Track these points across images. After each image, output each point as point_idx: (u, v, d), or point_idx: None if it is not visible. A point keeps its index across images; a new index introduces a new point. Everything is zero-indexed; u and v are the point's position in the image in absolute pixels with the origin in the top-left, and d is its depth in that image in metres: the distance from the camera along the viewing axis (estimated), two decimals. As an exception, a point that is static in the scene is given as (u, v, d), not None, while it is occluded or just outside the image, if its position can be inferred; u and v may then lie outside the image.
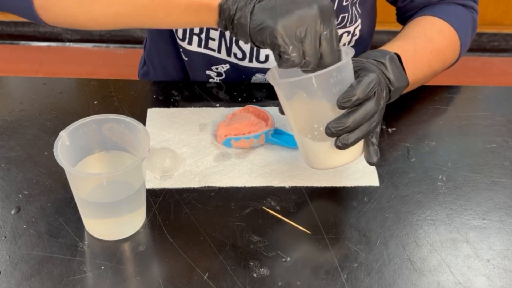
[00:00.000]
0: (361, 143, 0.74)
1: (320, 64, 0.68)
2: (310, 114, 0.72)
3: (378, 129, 0.76)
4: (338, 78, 0.69)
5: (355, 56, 1.05)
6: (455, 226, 0.76)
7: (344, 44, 1.01)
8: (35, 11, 0.72)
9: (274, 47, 0.67)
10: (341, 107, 0.69)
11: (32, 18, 0.74)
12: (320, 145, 0.73)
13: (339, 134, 0.70)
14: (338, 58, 0.69)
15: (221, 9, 0.69)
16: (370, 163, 0.75)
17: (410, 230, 0.75)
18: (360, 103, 0.69)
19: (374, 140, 0.75)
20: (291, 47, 0.66)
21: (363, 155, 0.75)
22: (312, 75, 0.68)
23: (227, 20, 0.70)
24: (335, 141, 0.70)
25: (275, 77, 0.75)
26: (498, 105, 0.96)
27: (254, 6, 0.67)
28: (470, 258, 0.72)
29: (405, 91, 0.88)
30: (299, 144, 0.76)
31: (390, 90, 0.80)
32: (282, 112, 0.76)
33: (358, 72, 0.73)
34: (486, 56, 2.40)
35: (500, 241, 0.74)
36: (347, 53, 0.71)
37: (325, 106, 0.70)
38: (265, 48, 0.68)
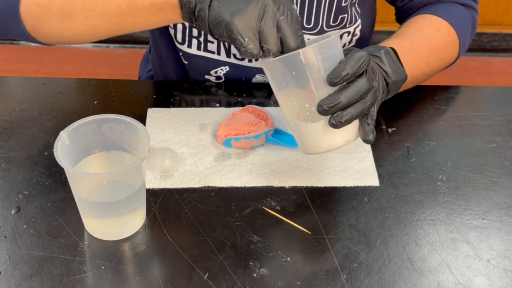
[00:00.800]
0: (355, 126, 0.73)
1: (285, 50, 0.69)
2: (301, 94, 0.71)
3: (374, 112, 0.75)
4: (327, 54, 0.69)
5: None
6: (455, 226, 0.76)
7: (345, 45, 1.02)
8: (29, 35, 0.81)
9: (231, 41, 0.68)
10: (331, 83, 0.68)
11: (31, 41, 0.82)
12: (314, 125, 0.72)
13: (331, 112, 0.69)
14: (302, 42, 0.69)
15: (182, 3, 0.72)
16: (366, 141, 0.74)
17: (410, 230, 0.75)
18: (351, 81, 0.69)
19: (369, 120, 0.74)
20: (246, 39, 0.68)
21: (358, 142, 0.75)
22: (299, 50, 0.68)
23: (189, 13, 0.72)
24: (329, 119, 0.70)
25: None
26: (498, 105, 0.96)
27: (211, 1, 0.69)
28: (470, 258, 0.72)
29: (404, 88, 0.88)
30: (293, 129, 0.75)
31: (388, 84, 0.80)
32: (275, 102, 0.75)
33: (348, 54, 0.73)
34: (486, 56, 2.40)
35: (500, 241, 0.74)
36: (335, 33, 0.72)
37: (316, 84, 0.70)
38: (225, 41, 0.70)
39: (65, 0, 0.76)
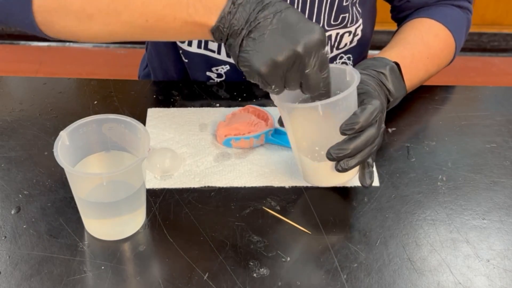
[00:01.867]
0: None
1: (303, 91, 0.69)
2: (312, 137, 0.73)
3: (375, 152, 0.77)
4: (343, 106, 0.70)
5: (355, 57, 1.05)
6: (455, 226, 0.76)
7: (346, 44, 1.02)
8: (38, 27, 0.74)
9: (258, 83, 0.68)
10: (343, 134, 0.70)
11: (37, 33, 0.76)
12: (319, 166, 0.74)
13: (340, 159, 0.71)
14: (325, 85, 0.69)
15: (214, 34, 0.69)
16: (364, 186, 0.76)
17: (410, 230, 0.75)
18: (362, 130, 0.70)
19: (370, 161, 0.75)
20: (273, 86, 0.68)
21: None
22: (319, 103, 0.68)
23: (222, 42, 0.70)
24: (336, 165, 0.72)
25: (280, 98, 0.73)
26: (498, 105, 0.96)
27: (242, 39, 0.67)
28: (470, 258, 0.72)
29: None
30: (298, 160, 0.77)
31: (388, 101, 0.81)
32: (281, 124, 0.77)
33: (361, 96, 0.73)
34: (486, 56, 2.40)
35: (500, 241, 0.74)
36: (352, 76, 0.71)
37: (328, 131, 0.71)
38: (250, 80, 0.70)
39: (87, 0, 0.70)
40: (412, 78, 0.89)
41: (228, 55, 0.98)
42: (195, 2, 0.68)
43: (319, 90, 0.69)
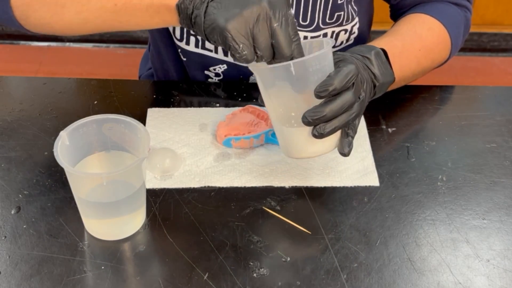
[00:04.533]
0: (339, 134, 0.74)
1: (277, 56, 0.69)
2: (288, 102, 0.72)
3: (357, 122, 0.76)
4: (317, 67, 0.69)
5: (343, 50, 1.05)
6: (455, 226, 0.76)
7: (342, 42, 1.02)
8: (17, 21, 0.79)
9: (226, 46, 0.68)
10: (318, 96, 0.69)
11: (17, 27, 0.80)
12: (297, 133, 0.73)
13: (315, 123, 0.70)
14: (296, 48, 0.69)
15: (179, 9, 0.71)
16: (342, 154, 0.75)
17: (410, 230, 0.75)
18: (338, 93, 0.70)
19: (350, 131, 0.75)
20: (241, 45, 0.67)
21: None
22: (291, 62, 0.68)
23: (187, 19, 0.71)
24: (312, 130, 0.71)
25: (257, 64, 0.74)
26: (498, 105, 0.96)
27: (207, 5, 0.69)
28: (470, 258, 0.72)
29: (392, 87, 0.88)
30: (277, 132, 0.76)
31: (375, 86, 0.80)
32: (262, 102, 0.76)
33: (338, 63, 0.73)
34: (486, 56, 2.40)
35: (500, 241, 0.74)
36: (328, 43, 0.72)
37: (303, 95, 0.70)
38: (221, 46, 0.70)
39: None
40: (403, 68, 0.88)
41: (225, 54, 0.98)
42: None
43: (290, 52, 0.68)
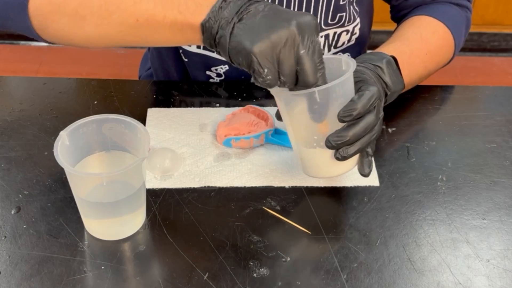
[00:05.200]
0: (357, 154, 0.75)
1: (300, 84, 0.67)
2: (310, 126, 0.72)
3: (375, 141, 0.76)
4: (340, 92, 0.69)
5: (354, 56, 1.05)
6: (455, 226, 0.76)
7: (344, 43, 1.02)
8: (34, 31, 0.76)
9: (250, 69, 0.66)
10: (341, 120, 0.69)
11: (34, 37, 0.77)
12: (319, 155, 0.74)
13: (339, 147, 0.70)
14: (321, 77, 0.68)
15: (204, 28, 0.69)
16: (363, 175, 0.76)
17: (410, 230, 0.75)
18: (360, 117, 0.70)
19: (369, 150, 0.75)
20: (265, 70, 0.65)
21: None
22: (315, 89, 0.67)
23: (211, 39, 0.69)
24: (335, 153, 0.71)
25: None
26: (498, 105, 0.96)
27: (234, 26, 0.66)
28: (470, 258, 0.72)
29: (400, 92, 0.88)
30: (296, 151, 0.76)
31: (386, 94, 0.81)
32: (279, 118, 0.77)
33: (358, 84, 0.73)
34: (486, 56, 2.40)
35: (500, 241, 0.74)
36: (349, 64, 0.71)
37: (326, 119, 0.71)
38: (244, 69, 0.68)
39: (80, 2, 0.72)
40: (410, 73, 0.89)
41: None
42: (187, 0, 0.69)
43: (315, 80, 0.67)
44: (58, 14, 0.73)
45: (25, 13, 0.74)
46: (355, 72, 0.75)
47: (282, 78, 0.67)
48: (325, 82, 0.68)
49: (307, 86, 0.67)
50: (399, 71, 0.84)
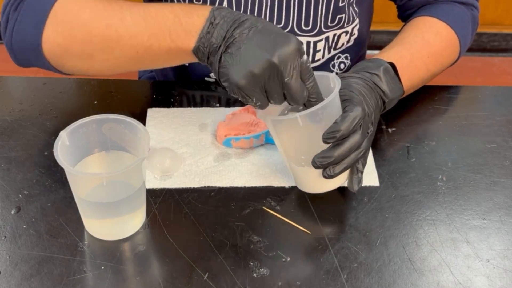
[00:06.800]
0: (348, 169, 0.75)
1: (289, 103, 0.70)
2: (298, 147, 0.74)
3: (367, 153, 0.77)
4: (324, 114, 0.70)
5: (353, 56, 1.05)
6: (455, 226, 0.76)
7: (343, 44, 1.02)
8: (55, 69, 0.82)
9: (240, 98, 0.70)
10: (326, 142, 0.70)
11: (58, 72, 0.84)
12: (308, 173, 0.74)
13: (324, 167, 0.71)
14: (312, 88, 0.70)
15: (196, 54, 0.73)
16: (352, 190, 0.76)
17: (410, 230, 0.75)
18: (345, 137, 0.70)
19: (360, 166, 0.76)
20: (254, 99, 0.69)
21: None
22: (297, 115, 0.68)
23: (205, 62, 0.73)
24: (322, 172, 0.72)
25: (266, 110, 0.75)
26: (498, 105, 0.96)
27: (221, 56, 0.70)
28: (470, 258, 0.72)
29: (403, 96, 0.88)
30: (288, 168, 0.78)
31: (384, 102, 0.81)
32: (270, 135, 0.78)
33: (344, 103, 0.73)
34: (486, 56, 2.40)
35: (500, 241, 0.74)
36: (335, 83, 0.72)
37: (311, 140, 0.71)
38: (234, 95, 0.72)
39: (84, 42, 0.76)
40: (412, 77, 0.89)
41: None
42: (176, 27, 0.73)
43: (303, 100, 0.70)
44: (68, 55, 0.78)
45: (42, 56, 0.79)
46: (344, 89, 0.75)
47: (271, 101, 0.70)
48: (317, 93, 0.71)
49: (295, 104, 0.70)
50: (398, 78, 0.84)
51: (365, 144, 0.74)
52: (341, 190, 0.80)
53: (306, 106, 0.71)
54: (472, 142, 0.88)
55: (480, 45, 2.39)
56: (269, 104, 0.71)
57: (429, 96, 0.97)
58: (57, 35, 0.77)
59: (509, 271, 0.71)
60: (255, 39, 0.68)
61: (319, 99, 0.71)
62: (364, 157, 0.76)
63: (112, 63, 0.79)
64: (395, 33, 0.97)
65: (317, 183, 0.76)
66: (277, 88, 0.69)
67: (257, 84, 0.68)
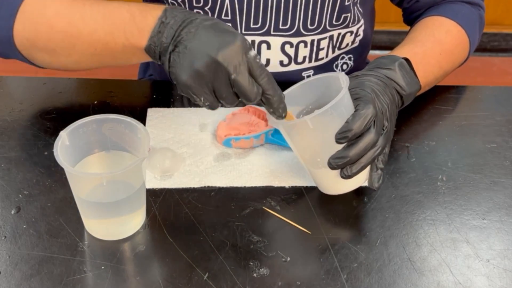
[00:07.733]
0: (368, 169, 0.75)
1: (243, 101, 0.70)
2: (312, 150, 0.73)
3: (387, 150, 0.76)
4: (334, 114, 0.69)
5: (356, 58, 1.05)
6: (455, 226, 0.76)
7: (347, 44, 1.01)
8: (30, 61, 0.85)
9: (189, 97, 0.70)
10: (339, 142, 0.69)
11: (33, 65, 0.86)
12: (326, 175, 0.74)
13: (341, 168, 0.71)
14: (265, 84, 0.69)
15: (148, 52, 0.74)
16: (372, 188, 0.76)
17: (410, 230, 0.75)
18: (360, 135, 0.70)
19: (379, 164, 0.75)
20: (202, 98, 0.69)
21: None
22: (307, 118, 0.68)
23: (158, 61, 0.74)
24: (340, 172, 0.72)
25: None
26: (498, 105, 0.96)
27: (170, 55, 0.70)
28: (470, 258, 0.72)
29: (418, 93, 0.87)
30: (307, 170, 0.77)
31: (402, 96, 0.80)
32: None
33: (356, 101, 0.73)
34: (486, 56, 2.40)
35: (500, 241, 0.74)
36: (343, 81, 0.71)
37: (325, 142, 0.71)
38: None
39: (48, 38, 0.79)
40: (426, 74, 0.88)
41: None
42: (131, 26, 0.74)
43: (256, 96, 0.69)
44: (35, 49, 0.82)
45: (15, 48, 0.82)
46: (355, 88, 0.75)
47: (221, 101, 0.70)
48: (273, 89, 0.69)
49: (249, 102, 0.69)
50: (414, 72, 0.83)
51: (382, 142, 0.73)
52: (341, 190, 0.80)
53: (265, 103, 0.70)
54: (472, 142, 0.88)
55: (480, 45, 2.37)
56: (220, 105, 0.71)
57: (429, 96, 0.97)
58: (25, 30, 0.80)
59: (509, 271, 0.71)
60: (200, 38, 0.69)
61: (276, 95, 0.70)
62: (383, 154, 0.75)
63: (75, 58, 0.81)
64: (395, 33, 0.97)
65: (336, 184, 0.75)
66: (225, 86, 0.68)
67: (203, 83, 0.68)
